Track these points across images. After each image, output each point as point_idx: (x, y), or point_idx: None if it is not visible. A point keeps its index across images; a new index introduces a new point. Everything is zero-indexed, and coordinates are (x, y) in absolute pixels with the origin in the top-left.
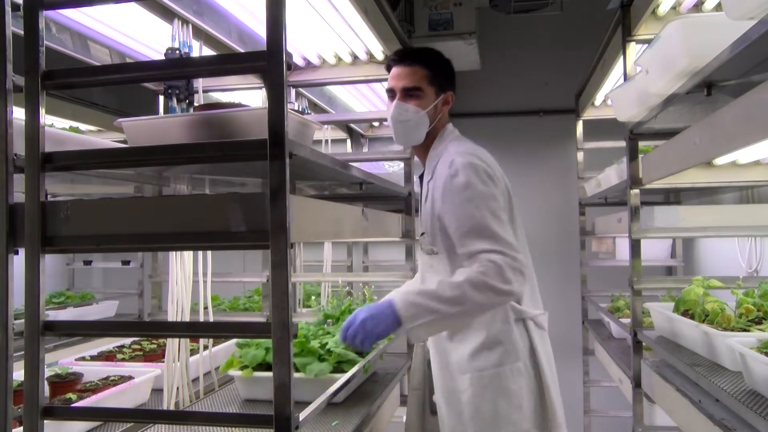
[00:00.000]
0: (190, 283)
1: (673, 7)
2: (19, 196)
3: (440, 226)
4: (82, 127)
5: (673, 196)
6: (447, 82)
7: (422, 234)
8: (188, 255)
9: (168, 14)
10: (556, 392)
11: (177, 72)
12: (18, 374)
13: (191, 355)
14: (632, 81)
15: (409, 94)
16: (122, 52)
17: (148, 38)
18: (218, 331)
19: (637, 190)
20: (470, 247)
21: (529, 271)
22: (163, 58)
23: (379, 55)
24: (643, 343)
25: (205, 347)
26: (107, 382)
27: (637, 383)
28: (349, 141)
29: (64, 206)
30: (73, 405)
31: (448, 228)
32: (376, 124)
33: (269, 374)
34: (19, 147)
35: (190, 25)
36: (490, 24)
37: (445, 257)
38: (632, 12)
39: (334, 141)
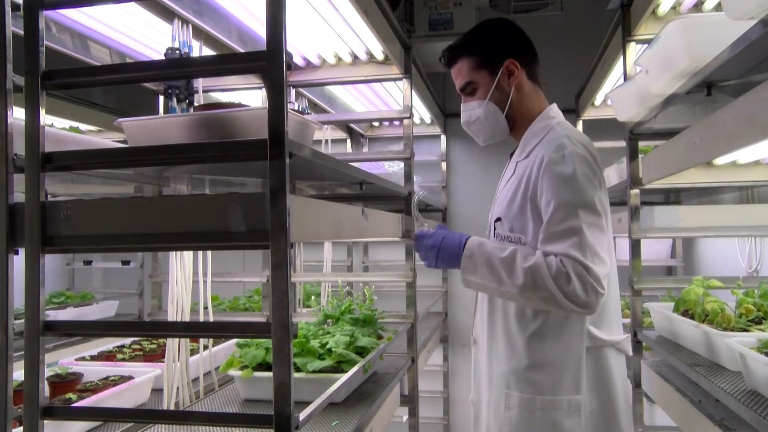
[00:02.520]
0: (190, 283)
1: (673, 7)
2: (19, 196)
3: (531, 210)
4: (82, 127)
5: (673, 196)
6: (501, 52)
7: (497, 220)
8: (188, 255)
9: (168, 14)
10: None
11: (177, 72)
12: (18, 374)
13: (191, 355)
14: (632, 81)
15: (466, 92)
16: (122, 52)
17: (148, 38)
18: (218, 331)
19: (637, 190)
20: (553, 245)
21: (614, 288)
22: (163, 58)
23: (379, 55)
24: (643, 343)
25: (205, 347)
26: (107, 382)
27: (637, 383)
28: (349, 141)
29: (64, 206)
30: (73, 405)
31: (543, 214)
32: (376, 124)
33: (269, 374)
34: (19, 147)
35: (190, 25)
36: None
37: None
38: (632, 12)
39: (334, 141)
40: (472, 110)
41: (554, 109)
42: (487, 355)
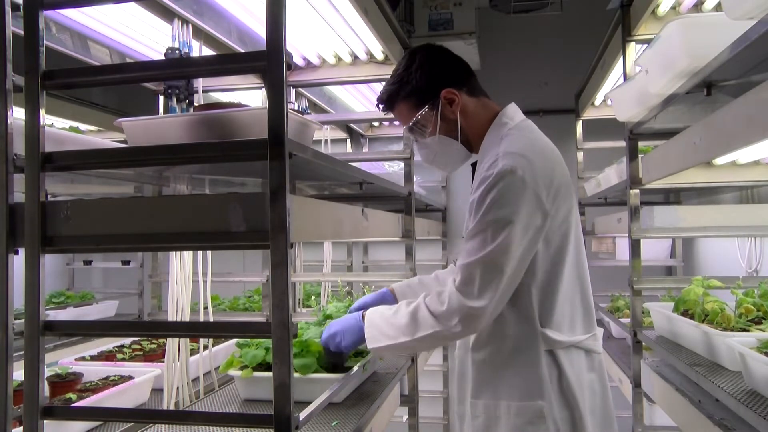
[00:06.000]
0: (190, 283)
1: (673, 7)
2: (19, 196)
3: None
4: (82, 127)
5: (673, 196)
6: (435, 84)
7: (462, 237)
8: (188, 255)
9: (168, 14)
10: None
11: (177, 72)
12: (18, 374)
13: (191, 355)
14: (632, 81)
15: (414, 132)
16: (122, 52)
17: (148, 38)
18: (218, 331)
19: (636, 190)
20: (456, 274)
21: (575, 285)
22: (163, 58)
23: (379, 55)
24: (643, 343)
25: (205, 347)
26: (107, 382)
27: (637, 383)
28: (349, 141)
29: (64, 206)
30: (73, 405)
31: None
32: (376, 124)
33: (269, 374)
34: (19, 147)
35: (190, 25)
36: (490, 24)
37: None
38: (632, 12)
39: (334, 141)
40: (427, 148)
41: (508, 113)
42: (463, 372)
